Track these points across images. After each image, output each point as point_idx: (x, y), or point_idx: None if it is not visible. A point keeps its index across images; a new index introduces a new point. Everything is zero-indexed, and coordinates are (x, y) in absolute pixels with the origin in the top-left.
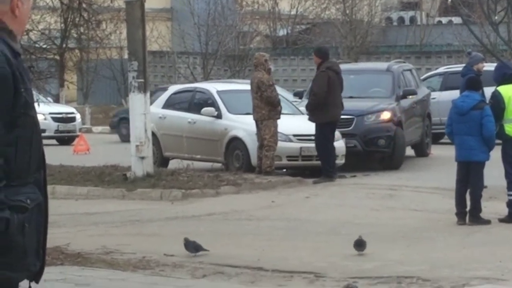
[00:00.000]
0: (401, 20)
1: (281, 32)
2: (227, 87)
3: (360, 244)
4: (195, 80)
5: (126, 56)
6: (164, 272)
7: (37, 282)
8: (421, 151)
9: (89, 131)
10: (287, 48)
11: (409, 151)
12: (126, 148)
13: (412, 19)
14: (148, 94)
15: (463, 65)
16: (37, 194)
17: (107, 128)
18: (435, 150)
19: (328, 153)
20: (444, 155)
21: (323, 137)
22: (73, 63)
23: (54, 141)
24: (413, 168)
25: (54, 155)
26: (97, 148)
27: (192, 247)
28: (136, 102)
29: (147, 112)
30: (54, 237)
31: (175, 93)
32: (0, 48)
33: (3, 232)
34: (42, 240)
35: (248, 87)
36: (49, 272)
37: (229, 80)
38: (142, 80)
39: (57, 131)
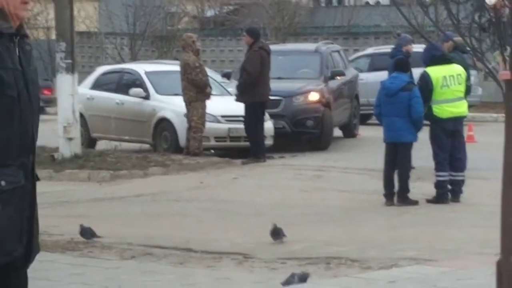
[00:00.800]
0: (329, 1)
1: (209, 13)
2: (155, 68)
3: (276, 233)
4: (122, 61)
5: (53, 37)
6: (93, 253)
7: (24, 268)
8: (349, 132)
9: None
10: (214, 29)
11: (337, 132)
12: (53, 129)
13: (340, 1)
14: (76, 75)
15: (391, 46)
16: (18, 178)
17: None
18: (363, 131)
19: (257, 134)
20: (372, 136)
21: (253, 118)
22: None
23: None
24: (341, 149)
25: None
26: None
27: (89, 233)
28: (64, 83)
29: (74, 93)
30: None
31: (103, 74)
32: None
33: None
34: (27, 225)
35: (176, 68)
36: None
37: (158, 61)
38: (70, 61)
39: None
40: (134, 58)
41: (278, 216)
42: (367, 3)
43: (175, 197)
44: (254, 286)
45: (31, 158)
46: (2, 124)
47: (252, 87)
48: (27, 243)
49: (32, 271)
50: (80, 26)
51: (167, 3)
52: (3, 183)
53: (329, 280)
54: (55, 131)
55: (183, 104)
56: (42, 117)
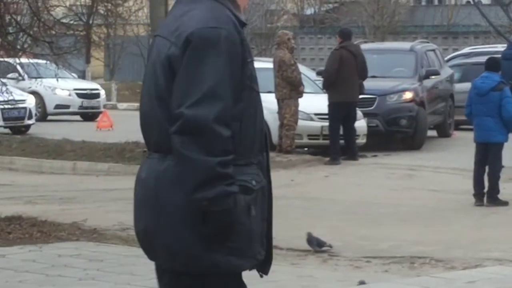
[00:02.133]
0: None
1: (309, 11)
2: None
3: (310, 241)
4: None
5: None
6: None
7: (265, 273)
8: (443, 131)
9: (114, 107)
10: (314, 27)
11: (432, 132)
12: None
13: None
14: None
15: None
16: (261, 177)
17: (133, 104)
18: (458, 131)
19: (333, 135)
20: (467, 136)
21: (331, 117)
22: (99, 39)
23: (78, 117)
24: (435, 148)
25: (77, 131)
26: (121, 124)
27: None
28: None
29: None
30: (72, 213)
31: None
32: (226, 13)
33: (230, 210)
34: (266, 228)
35: (269, 65)
36: (64, 247)
37: (256, 58)
38: None
39: (81, 107)
40: None
41: (366, 215)
42: (468, 2)
43: None
44: (337, 284)
45: (265, 157)
46: (250, 120)
47: (333, 87)
48: (267, 246)
49: (117, 265)
50: None
51: (267, 0)
52: (254, 182)
53: (409, 279)
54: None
55: (275, 101)
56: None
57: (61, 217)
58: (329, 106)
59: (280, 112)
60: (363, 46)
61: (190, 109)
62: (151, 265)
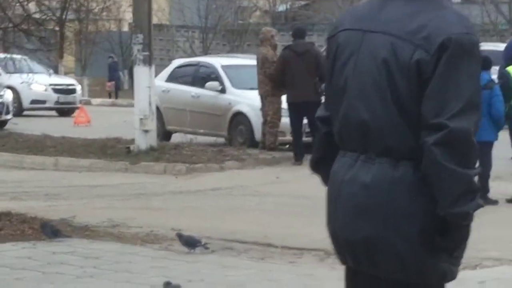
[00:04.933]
0: None
1: (281, 8)
2: (231, 62)
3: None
4: (194, 54)
5: (124, 29)
6: (173, 246)
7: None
8: None
9: (88, 103)
10: (286, 24)
11: None
12: (126, 121)
13: None
14: (153, 67)
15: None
16: None
17: (106, 100)
18: None
19: (293, 135)
20: None
21: (290, 118)
22: (72, 35)
23: (54, 113)
24: None
25: (55, 126)
26: (97, 120)
27: (50, 231)
28: (141, 75)
29: (151, 85)
30: (59, 209)
31: (179, 67)
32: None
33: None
34: None
35: (252, 62)
36: (57, 244)
37: (233, 55)
38: (147, 53)
39: (57, 102)
40: (205, 52)
41: None
42: None
43: (252, 191)
44: (338, 284)
45: None
46: None
47: (284, 88)
48: None
49: (114, 263)
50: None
51: None
52: None
53: None
54: (126, 123)
55: (258, 98)
56: (113, 109)
57: (49, 214)
58: (287, 107)
59: (263, 109)
60: None
61: (453, 121)
62: (148, 263)
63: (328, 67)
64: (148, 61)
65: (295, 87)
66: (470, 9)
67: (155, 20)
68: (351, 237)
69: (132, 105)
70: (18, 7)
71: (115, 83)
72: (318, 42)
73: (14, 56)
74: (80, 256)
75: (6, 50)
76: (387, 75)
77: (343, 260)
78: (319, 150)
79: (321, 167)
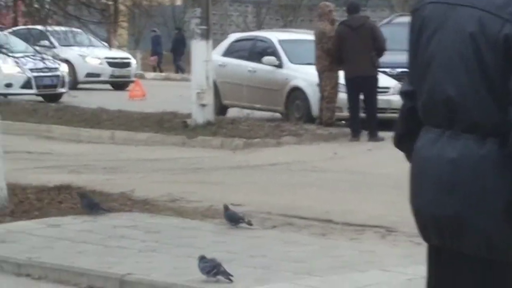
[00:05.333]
0: None
1: None
2: (288, 37)
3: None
4: (248, 29)
5: (178, 3)
6: (251, 222)
7: None
8: None
9: (141, 77)
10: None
11: None
12: (181, 95)
13: None
14: (210, 41)
15: None
16: None
17: (159, 74)
18: None
19: (350, 111)
20: None
21: (347, 94)
22: (125, 8)
23: (108, 86)
24: None
25: (110, 100)
26: (152, 94)
27: (87, 204)
28: (198, 49)
29: (209, 59)
30: (118, 183)
31: (235, 41)
32: None
33: None
34: None
35: (309, 37)
36: (118, 218)
37: (290, 30)
38: (205, 27)
39: (112, 76)
40: (259, 26)
41: None
42: None
43: (310, 167)
44: (400, 260)
45: None
46: None
47: (341, 63)
48: None
49: (175, 237)
50: None
51: None
52: None
53: None
54: (182, 97)
55: (316, 73)
56: (166, 83)
57: (108, 187)
58: (345, 82)
59: (321, 84)
60: (399, 19)
61: None
62: (209, 238)
63: (412, 41)
64: (206, 35)
65: (352, 62)
66: None
67: None
68: (437, 213)
69: (186, 79)
70: None
71: (158, 57)
72: (373, 18)
73: (72, 29)
74: (141, 230)
75: (61, 23)
76: (474, 49)
77: (427, 237)
78: (403, 125)
79: (404, 143)
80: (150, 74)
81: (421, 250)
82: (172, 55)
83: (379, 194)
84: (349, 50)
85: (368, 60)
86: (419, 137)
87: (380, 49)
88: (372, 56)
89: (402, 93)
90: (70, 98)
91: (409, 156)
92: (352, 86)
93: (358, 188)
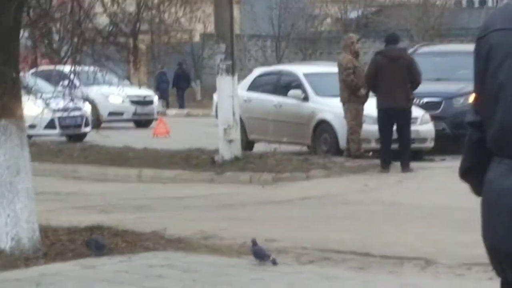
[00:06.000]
0: (470, 2)
1: (352, 15)
2: (313, 70)
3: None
4: (267, 63)
5: (196, 39)
6: (269, 258)
7: None
8: None
9: (163, 113)
10: (357, 31)
11: None
12: (205, 132)
13: (482, 2)
14: (235, 76)
15: None
16: None
17: (182, 111)
18: None
19: (381, 142)
20: None
21: (378, 124)
22: (144, 47)
23: (131, 124)
24: None
25: (134, 138)
26: (175, 131)
27: (94, 246)
28: (224, 84)
29: (235, 95)
30: (149, 221)
31: (260, 76)
32: None
33: None
34: None
35: (333, 69)
36: (153, 257)
37: (314, 62)
38: (230, 63)
39: (135, 114)
40: (279, 60)
41: (451, 220)
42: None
43: (341, 200)
44: None
45: None
46: None
47: (376, 93)
48: None
49: (213, 276)
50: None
51: (310, 4)
52: None
53: None
54: (206, 133)
55: (341, 105)
56: (188, 119)
57: (139, 226)
58: (377, 113)
59: (344, 116)
60: (424, 49)
61: None
62: (247, 275)
63: (479, 69)
64: (231, 71)
65: (387, 94)
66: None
67: None
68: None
69: (207, 115)
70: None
71: (160, 93)
72: None
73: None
74: (177, 269)
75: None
76: None
77: (502, 273)
78: (470, 157)
79: (471, 175)
80: (172, 111)
81: (465, 282)
82: (176, 91)
83: (414, 225)
84: (386, 81)
85: (404, 93)
86: (489, 169)
87: (416, 82)
88: (407, 89)
89: (469, 124)
90: (97, 137)
91: (476, 189)
92: (386, 117)
93: (392, 220)
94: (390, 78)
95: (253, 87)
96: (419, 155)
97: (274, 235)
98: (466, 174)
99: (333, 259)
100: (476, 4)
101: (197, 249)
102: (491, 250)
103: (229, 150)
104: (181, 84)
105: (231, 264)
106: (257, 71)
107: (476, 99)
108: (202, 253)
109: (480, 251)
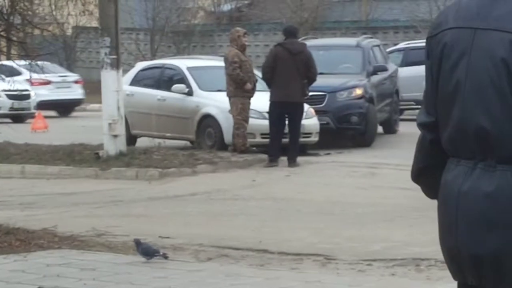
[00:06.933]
0: None
1: (225, 7)
2: (197, 63)
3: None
4: (142, 57)
5: (68, 33)
6: (167, 254)
7: None
8: (390, 128)
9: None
10: (230, 24)
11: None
12: (84, 126)
13: None
14: (120, 71)
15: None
16: None
17: None
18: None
19: (271, 135)
20: (410, 132)
21: (269, 117)
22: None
23: (7, 119)
24: (385, 145)
25: (12, 133)
26: (53, 126)
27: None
28: (109, 79)
29: (119, 89)
30: (38, 219)
31: (142, 70)
32: None
33: None
34: None
35: (218, 63)
36: (49, 256)
37: (198, 56)
38: (115, 57)
39: (11, 108)
40: (153, 54)
41: (344, 215)
42: None
43: (231, 195)
44: None
45: None
46: None
47: (270, 85)
48: None
49: (113, 274)
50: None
51: None
52: None
53: (429, 284)
54: (85, 128)
55: (227, 100)
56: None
57: (29, 224)
58: (269, 105)
59: (230, 110)
60: (307, 43)
61: None
62: (148, 273)
63: (431, 69)
64: (116, 65)
65: (283, 87)
66: (418, 5)
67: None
68: (477, 252)
69: (83, 110)
70: None
71: None
72: (265, 41)
73: None
74: (75, 267)
75: None
76: (507, 75)
77: (461, 276)
78: (423, 158)
79: (425, 177)
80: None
81: (368, 278)
82: None
83: (307, 221)
84: (282, 74)
85: (300, 87)
86: (446, 170)
87: (312, 78)
88: (304, 84)
89: (421, 125)
90: None
91: (430, 191)
92: (279, 110)
93: (285, 216)
94: (288, 71)
95: (135, 81)
96: (304, 149)
97: (168, 231)
98: (419, 175)
99: (232, 256)
100: None
101: (92, 247)
102: (450, 254)
103: (114, 145)
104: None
105: (128, 261)
106: (140, 65)
107: (427, 99)
108: (98, 250)
109: (375, 247)
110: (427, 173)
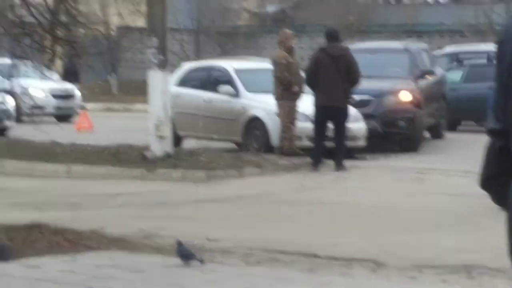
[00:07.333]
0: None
1: (269, 9)
2: (244, 65)
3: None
4: (187, 57)
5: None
6: (215, 258)
7: None
8: (437, 133)
9: (83, 108)
10: (275, 26)
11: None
12: (128, 125)
13: None
14: (167, 72)
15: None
16: None
17: (99, 105)
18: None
19: (315, 139)
20: (458, 138)
21: (314, 121)
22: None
23: (52, 119)
24: (432, 150)
25: (57, 133)
26: (98, 126)
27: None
28: (155, 80)
29: (166, 90)
30: (85, 220)
31: (190, 71)
32: None
33: None
34: None
35: (265, 65)
36: (98, 257)
37: (246, 57)
38: (162, 57)
39: (56, 108)
40: (198, 55)
41: (394, 220)
42: (426, 2)
43: (278, 199)
44: None
45: None
46: None
47: (313, 90)
48: None
49: (163, 277)
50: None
51: None
52: None
53: None
54: (132, 128)
55: (273, 102)
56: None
57: (77, 224)
58: (314, 109)
59: (277, 113)
60: (354, 46)
61: None
62: (199, 277)
63: (501, 75)
64: (163, 65)
65: (326, 91)
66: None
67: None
68: None
69: (128, 110)
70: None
71: None
72: (309, 44)
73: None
74: (125, 269)
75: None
76: None
77: None
78: (492, 165)
79: (493, 185)
80: (90, 105)
81: (418, 285)
82: None
83: (357, 226)
84: (325, 78)
85: (342, 91)
86: None
87: (355, 82)
88: (346, 87)
89: (491, 131)
90: (20, 131)
91: (498, 199)
92: (322, 115)
93: (334, 220)
94: (330, 75)
95: (182, 82)
96: (351, 153)
97: (216, 234)
98: (487, 183)
99: (281, 261)
100: (392, 2)
101: (141, 249)
102: None
103: (160, 146)
104: (70, 79)
105: (177, 264)
106: (187, 66)
107: (496, 105)
108: (146, 252)
109: (427, 253)
110: (496, 180)
